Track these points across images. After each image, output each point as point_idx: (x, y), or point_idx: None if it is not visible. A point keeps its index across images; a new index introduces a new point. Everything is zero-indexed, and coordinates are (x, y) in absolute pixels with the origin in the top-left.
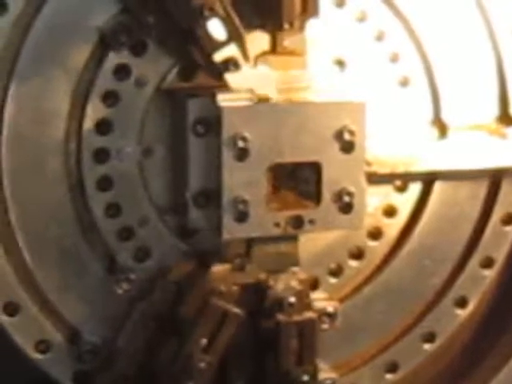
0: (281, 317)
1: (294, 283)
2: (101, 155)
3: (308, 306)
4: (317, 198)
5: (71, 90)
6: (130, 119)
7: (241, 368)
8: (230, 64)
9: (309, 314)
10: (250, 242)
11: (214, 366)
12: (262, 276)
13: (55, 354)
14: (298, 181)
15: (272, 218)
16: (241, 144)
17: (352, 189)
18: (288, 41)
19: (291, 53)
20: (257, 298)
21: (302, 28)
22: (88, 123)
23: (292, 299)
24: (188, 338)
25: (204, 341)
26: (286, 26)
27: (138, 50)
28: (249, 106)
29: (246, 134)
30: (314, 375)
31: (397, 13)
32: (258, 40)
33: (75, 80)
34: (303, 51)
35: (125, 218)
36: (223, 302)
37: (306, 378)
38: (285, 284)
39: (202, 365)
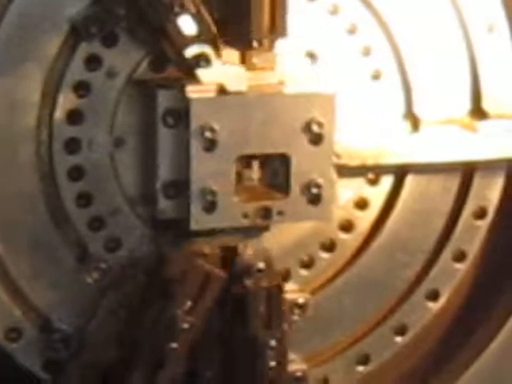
0: (249, 282)
1: (264, 250)
2: (72, 145)
3: (277, 274)
4: (285, 189)
5: (43, 80)
6: (101, 110)
7: (209, 358)
8: (201, 60)
9: (277, 280)
10: None
11: (197, 328)
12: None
13: (26, 342)
14: (268, 172)
15: (240, 209)
16: (209, 135)
17: (320, 181)
18: (257, 58)
19: (261, 68)
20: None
21: (271, 47)
22: (59, 113)
23: (261, 265)
24: (172, 299)
25: (188, 302)
26: (255, 44)
27: (110, 41)
28: (217, 98)
29: (215, 125)
30: (281, 341)
31: (369, 6)
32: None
33: (47, 70)
34: (273, 68)
35: (96, 207)
36: (207, 264)
37: (273, 342)
38: (254, 250)
39: (186, 326)
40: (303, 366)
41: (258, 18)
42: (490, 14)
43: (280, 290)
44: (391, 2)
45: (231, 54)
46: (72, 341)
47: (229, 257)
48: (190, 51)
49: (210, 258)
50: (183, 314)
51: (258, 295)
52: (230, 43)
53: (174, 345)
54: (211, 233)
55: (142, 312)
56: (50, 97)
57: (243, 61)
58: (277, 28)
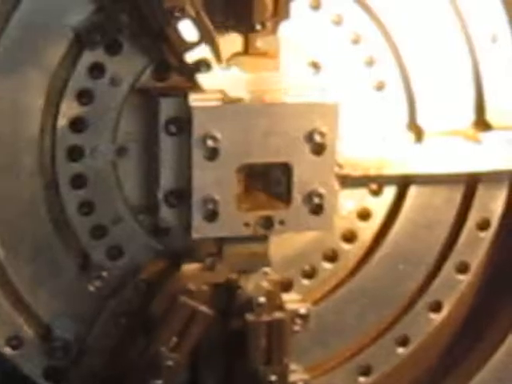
0: (250, 317)
1: (265, 283)
2: (75, 153)
3: (278, 307)
4: (287, 199)
5: (46, 88)
6: (104, 118)
7: (211, 367)
8: (202, 65)
9: (278, 314)
10: (221, 242)
11: (182, 365)
12: (233, 276)
13: (27, 349)
14: (270, 181)
15: (242, 218)
16: (211, 144)
17: (322, 190)
18: (260, 42)
19: (264, 54)
20: (227, 297)
21: (274, 30)
22: (62, 121)
23: (261, 299)
24: (156, 335)
25: (173, 339)
26: (258, 26)
27: (113, 49)
28: (219, 106)
29: (217, 134)
30: (282, 375)
31: (373, 17)
32: (231, 41)
33: (50, 78)
34: (276, 53)
35: (98, 216)
36: (192, 301)
37: (274, 377)
38: (255, 284)
39: (170, 363)
40: (305, 377)
41: (261, 0)
42: (493, 24)
43: (282, 324)
44: (395, 13)
45: (235, 38)
46: (73, 349)
47: (229, 291)
48: (191, 56)
49: (197, 294)
50: (168, 351)
51: (259, 330)
52: (234, 27)
53: (159, 382)
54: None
55: (126, 344)
56: (53, 104)
57: (246, 45)
58: (280, 11)
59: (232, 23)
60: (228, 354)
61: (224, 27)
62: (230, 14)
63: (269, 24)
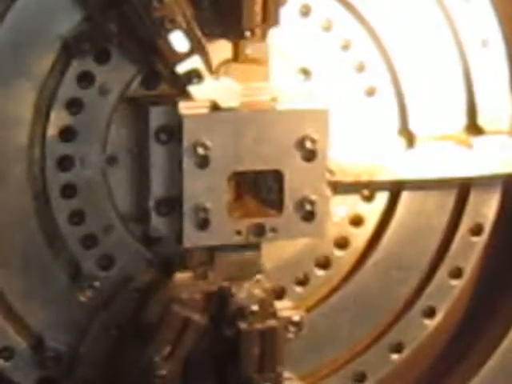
0: (242, 325)
1: (257, 291)
2: (65, 163)
3: (271, 315)
4: (279, 206)
5: (35, 98)
6: (93, 127)
7: (203, 376)
8: (193, 76)
9: (271, 322)
10: (212, 250)
11: (175, 374)
12: (225, 284)
13: (18, 360)
14: (261, 189)
15: (233, 226)
16: (201, 152)
17: (314, 197)
18: (250, 49)
19: (254, 61)
20: (219, 306)
21: (264, 37)
22: (52, 130)
23: (254, 307)
24: (149, 344)
25: (166, 348)
26: (248, 33)
27: (102, 57)
28: (209, 114)
29: (207, 142)
30: (276, 383)
31: (363, 22)
32: (220, 49)
33: (39, 87)
34: (266, 60)
35: (89, 225)
36: (184, 310)
37: None
38: (247, 292)
39: (164, 372)
40: None
41: (250, 7)
42: (484, 28)
43: (274, 332)
44: (385, 18)
45: (224, 45)
46: (65, 359)
47: (222, 298)
48: (182, 67)
49: (189, 303)
50: (161, 361)
51: (252, 338)
52: (223, 34)
53: None
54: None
55: (119, 357)
56: (42, 114)
57: (236, 52)
58: (269, 17)
59: (221, 30)
60: (221, 363)
61: (213, 35)
62: (219, 22)
63: (258, 31)
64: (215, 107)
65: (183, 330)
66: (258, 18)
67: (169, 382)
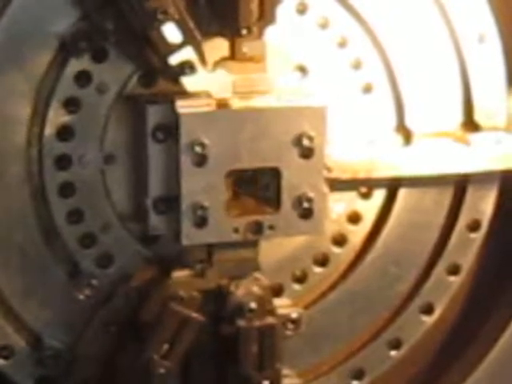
0: (241, 322)
1: (255, 289)
2: (62, 162)
3: (269, 312)
4: (276, 203)
5: (32, 97)
6: (91, 126)
7: (203, 374)
8: (186, 67)
9: (269, 320)
10: (210, 248)
11: (174, 372)
12: (223, 281)
13: (17, 359)
14: (258, 186)
15: (231, 224)
16: (199, 150)
17: (312, 194)
18: (247, 47)
19: (250, 59)
20: (218, 303)
21: (260, 34)
22: (49, 129)
23: (252, 305)
24: (147, 343)
25: (165, 346)
26: (244, 31)
27: (99, 56)
28: (207, 113)
29: (204, 140)
30: (275, 380)
31: (359, 19)
32: (217, 47)
33: (36, 86)
34: (262, 57)
35: (87, 224)
36: (182, 308)
37: (266, 383)
38: (246, 289)
39: (162, 370)
40: (297, 382)
41: (246, 5)
42: (480, 24)
43: (273, 330)
44: (381, 15)
45: (221, 43)
46: (63, 357)
47: (220, 296)
48: (175, 59)
49: (188, 300)
50: (159, 358)
51: (250, 335)
52: (219, 31)
53: None
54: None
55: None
56: (39, 113)
57: (233, 50)
58: (266, 15)
59: (217, 28)
60: (219, 361)
61: (209, 33)
62: (215, 20)
63: (255, 29)
64: (212, 105)
65: (181, 327)
66: (255, 15)
67: (167, 380)
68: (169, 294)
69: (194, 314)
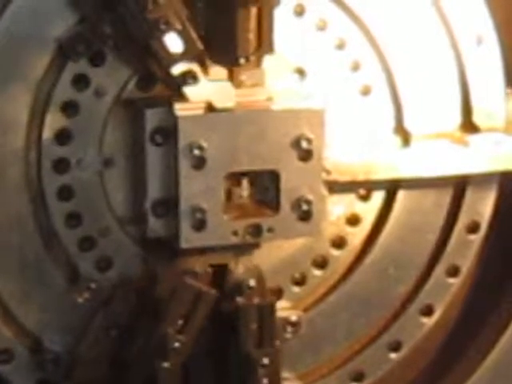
0: (240, 300)
1: (254, 267)
2: (61, 165)
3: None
4: (275, 206)
5: (30, 101)
6: (89, 129)
7: (203, 351)
8: (188, 77)
9: (268, 297)
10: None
11: (188, 347)
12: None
13: (17, 363)
14: (257, 189)
15: (230, 227)
16: (197, 153)
17: (310, 197)
18: (245, 75)
19: (250, 86)
20: (218, 282)
21: (258, 63)
22: (47, 133)
23: (252, 282)
24: (162, 318)
25: (179, 321)
26: (242, 61)
27: (97, 60)
28: (204, 115)
29: (203, 143)
30: (274, 358)
31: (357, 21)
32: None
33: (34, 90)
34: (261, 85)
35: (86, 228)
36: (197, 282)
37: (266, 360)
38: (245, 267)
39: (177, 345)
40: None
41: (244, 34)
42: (478, 26)
43: (272, 307)
44: (380, 17)
45: (219, 71)
46: (63, 361)
47: (220, 274)
48: (177, 69)
49: (201, 276)
50: (174, 333)
51: (250, 313)
52: (217, 60)
53: (166, 364)
54: (202, 251)
55: (133, 331)
56: (37, 117)
57: (231, 78)
58: (263, 44)
59: (216, 57)
60: (220, 341)
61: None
62: (214, 48)
63: (252, 57)
64: (210, 108)
65: (196, 302)
66: (253, 45)
67: (181, 354)
68: (183, 268)
69: (208, 288)
